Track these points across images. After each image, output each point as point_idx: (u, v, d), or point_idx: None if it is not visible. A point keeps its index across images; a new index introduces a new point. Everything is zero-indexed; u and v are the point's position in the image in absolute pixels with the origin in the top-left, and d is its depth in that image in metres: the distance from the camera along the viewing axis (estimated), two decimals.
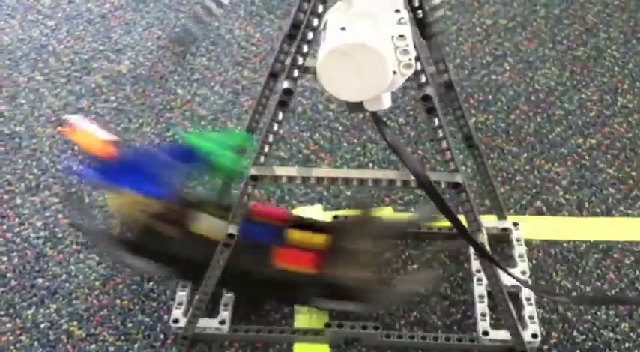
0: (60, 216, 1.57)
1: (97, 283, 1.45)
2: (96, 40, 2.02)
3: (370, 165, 1.68)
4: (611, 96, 1.83)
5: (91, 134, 1.20)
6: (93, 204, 1.47)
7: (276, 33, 2.04)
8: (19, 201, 1.60)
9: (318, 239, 1.27)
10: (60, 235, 1.53)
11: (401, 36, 0.89)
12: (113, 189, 1.24)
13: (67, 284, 1.45)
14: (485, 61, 1.95)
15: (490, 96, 1.84)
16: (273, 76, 1.23)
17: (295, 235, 1.27)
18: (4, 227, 1.55)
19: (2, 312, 1.40)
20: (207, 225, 1.25)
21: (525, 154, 1.68)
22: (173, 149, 1.25)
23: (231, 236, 1.15)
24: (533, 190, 1.59)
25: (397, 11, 0.90)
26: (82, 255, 1.49)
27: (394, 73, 0.91)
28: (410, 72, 0.92)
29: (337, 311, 1.33)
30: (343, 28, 0.90)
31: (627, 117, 1.76)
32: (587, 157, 1.67)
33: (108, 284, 1.45)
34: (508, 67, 1.92)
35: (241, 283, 1.30)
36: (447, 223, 1.09)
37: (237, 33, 2.04)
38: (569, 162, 1.66)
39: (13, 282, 1.45)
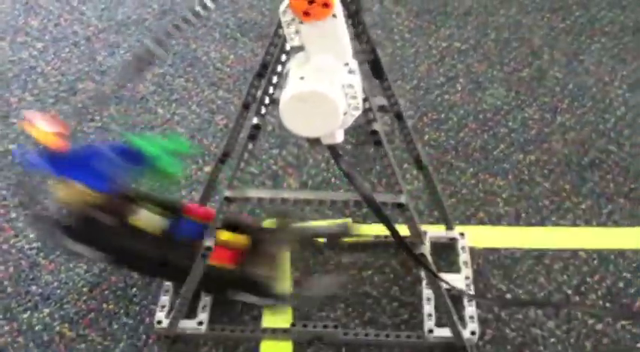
0: None
1: (85, 289, 1.61)
2: (81, 62, 2.17)
3: (333, 179, 1.85)
4: (551, 115, 2.02)
5: (43, 127, 1.29)
6: (41, 191, 1.52)
7: (249, 55, 2.22)
8: (13, 215, 1.76)
9: (241, 239, 1.45)
10: (51, 246, 1.69)
11: (350, 84, 1.07)
12: (60, 179, 1.34)
13: (59, 291, 1.61)
14: (440, 81, 2.14)
15: (442, 115, 2.03)
16: (246, 107, 1.41)
17: (223, 235, 1.44)
18: (1, 239, 1.71)
19: (0, 316, 1.56)
20: (146, 218, 1.42)
21: (471, 169, 1.87)
22: (121, 149, 1.34)
23: (208, 248, 1.33)
24: (477, 202, 1.78)
25: (346, 64, 1.08)
26: (71, 264, 1.66)
27: (345, 114, 1.09)
28: (358, 113, 1.10)
29: (247, 303, 1.50)
30: (302, 78, 1.08)
31: (564, 134, 1.96)
32: (526, 172, 1.86)
33: (95, 290, 1.61)
34: (460, 88, 2.11)
35: (172, 273, 1.47)
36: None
37: (213, 55, 2.21)
38: (510, 177, 1.85)
39: (10, 289, 1.61)
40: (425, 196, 1.77)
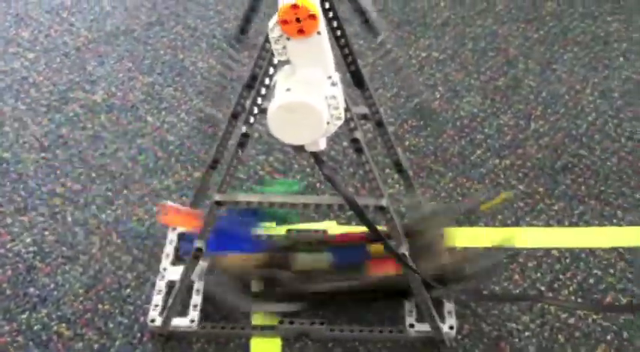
0: (46, 232, 1.79)
1: (81, 290, 1.68)
2: (72, 72, 2.24)
3: (318, 184, 1.93)
4: (525, 122, 2.12)
5: (184, 215, 1.53)
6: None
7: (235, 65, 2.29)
8: (9, 221, 1.82)
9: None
10: (47, 250, 1.76)
11: (333, 96, 1.15)
12: (220, 254, 1.52)
13: (55, 292, 1.68)
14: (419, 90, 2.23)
15: (422, 122, 2.11)
16: (234, 116, 1.49)
17: (375, 248, 1.56)
18: None
19: (0, 317, 1.63)
20: (307, 260, 1.56)
21: (450, 173, 1.96)
22: (241, 211, 1.48)
23: (199, 249, 1.40)
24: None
25: (329, 77, 1.16)
26: (67, 267, 1.72)
27: (328, 123, 1.17)
28: (340, 122, 1.18)
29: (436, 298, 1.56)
30: (288, 89, 1.16)
31: (538, 140, 2.05)
32: (502, 176, 1.95)
33: (90, 292, 1.68)
34: (438, 96, 2.20)
35: (347, 296, 1.60)
36: None
37: (200, 65, 2.29)
38: (486, 180, 1.94)
39: (8, 291, 1.68)
40: (405, 199, 1.86)
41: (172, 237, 1.72)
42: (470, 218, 1.80)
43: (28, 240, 1.78)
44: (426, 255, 1.52)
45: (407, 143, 2.04)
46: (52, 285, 1.69)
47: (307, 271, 1.55)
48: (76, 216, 1.83)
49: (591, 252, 1.76)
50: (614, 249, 1.77)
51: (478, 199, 1.78)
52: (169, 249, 1.69)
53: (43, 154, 1.99)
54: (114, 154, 1.99)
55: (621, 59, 2.34)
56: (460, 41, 2.41)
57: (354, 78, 1.39)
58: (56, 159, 1.97)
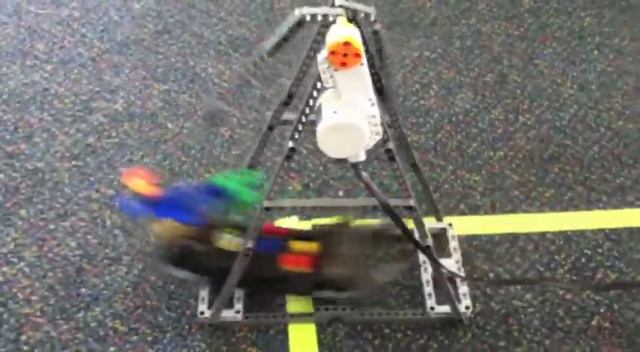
0: (89, 236, 1.95)
1: (129, 288, 1.85)
2: (90, 82, 2.38)
3: (331, 181, 2.12)
4: (514, 115, 2.33)
5: (140, 179, 1.65)
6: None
7: (243, 69, 2.45)
8: (52, 226, 1.97)
9: (312, 246, 1.73)
10: (92, 252, 1.92)
11: (373, 115, 1.34)
12: (157, 220, 1.66)
13: (106, 291, 1.84)
14: (415, 88, 2.41)
15: (421, 119, 2.31)
16: (270, 128, 1.67)
17: (295, 245, 1.74)
18: (45, 248, 1.92)
19: (58, 317, 1.79)
20: (229, 241, 1.70)
21: (450, 167, 2.16)
22: (206, 188, 1.68)
23: (249, 249, 1.58)
24: (458, 196, 2.08)
25: (369, 99, 1.35)
26: (113, 268, 1.89)
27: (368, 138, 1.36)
28: (378, 137, 1.37)
29: (331, 299, 1.78)
30: (335, 112, 1.34)
31: (526, 132, 2.27)
32: (496, 167, 2.16)
33: (138, 289, 1.85)
34: (433, 94, 2.40)
35: (257, 283, 1.76)
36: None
37: (210, 71, 2.44)
38: (483, 172, 2.15)
39: (62, 292, 1.84)
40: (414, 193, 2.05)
41: None
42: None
43: (73, 244, 1.93)
44: (338, 260, 1.75)
45: (409, 139, 2.21)
46: (102, 285, 1.85)
47: (225, 250, 1.71)
48: (114, 220, 1.99)
49: (581, 233, 1.99)
50: (601, 231, 2.00)
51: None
52: None
53: (74, 162, 2.13)
54: (141, 160, 2.15)
55: (596, 53, 2.56)
56: (448, 40, 2.60)
57: (381, 93, 1.57)
58: (87, 166, 2.12)
